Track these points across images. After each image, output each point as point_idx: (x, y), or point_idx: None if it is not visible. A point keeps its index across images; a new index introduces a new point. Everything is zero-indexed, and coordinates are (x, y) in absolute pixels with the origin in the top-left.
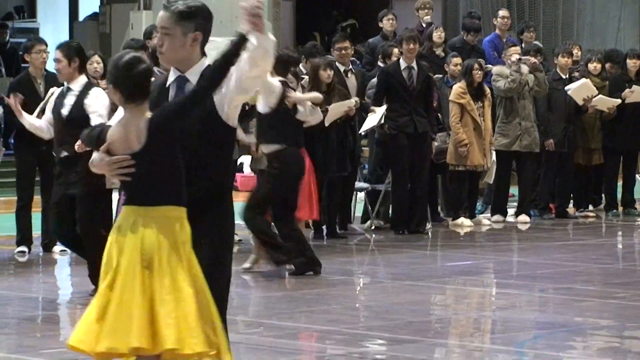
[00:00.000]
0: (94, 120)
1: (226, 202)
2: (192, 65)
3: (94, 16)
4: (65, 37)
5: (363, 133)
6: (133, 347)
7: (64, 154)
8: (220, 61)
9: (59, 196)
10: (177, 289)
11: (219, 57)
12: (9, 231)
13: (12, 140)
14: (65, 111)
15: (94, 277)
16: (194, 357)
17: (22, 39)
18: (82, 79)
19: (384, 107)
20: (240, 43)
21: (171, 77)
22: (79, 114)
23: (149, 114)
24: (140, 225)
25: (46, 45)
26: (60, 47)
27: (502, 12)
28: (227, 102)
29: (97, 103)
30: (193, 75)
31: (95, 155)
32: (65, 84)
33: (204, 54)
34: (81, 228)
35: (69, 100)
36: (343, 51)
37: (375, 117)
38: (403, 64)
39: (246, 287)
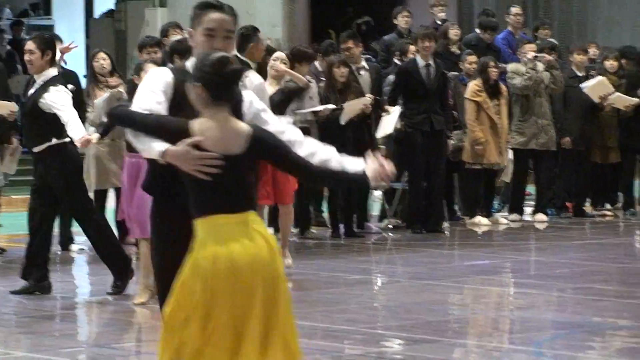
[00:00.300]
0: (63, 114)
1: None
2: None
3: (109, 13)
4: (80, 34)
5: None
6: None
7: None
8: (334, 175)
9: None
10: None
11: (338, 169)
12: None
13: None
14: (25, 103)
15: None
16: None
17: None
18: (50, 72)
19: (398, 108)
20: (360, 180)
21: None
22: (32, 106)
23: (238, 121)
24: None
25: (62, 42)
26: (34, 38)
27: (515, 9)
28: None
29: (61, 97)
30: None
31: (176, 146)
32: (33, 76)
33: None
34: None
35: (30, 92)
36: (347, 52)
37: (390, 120)
38: (420, 61)
39: None
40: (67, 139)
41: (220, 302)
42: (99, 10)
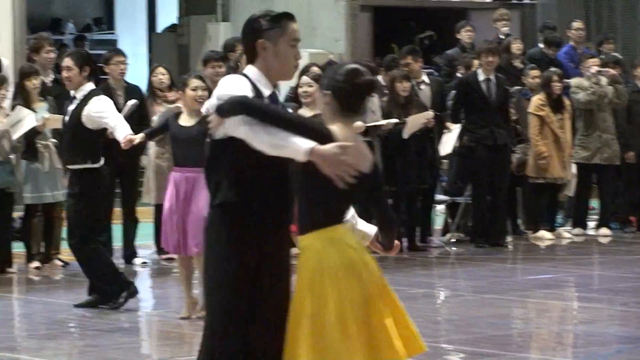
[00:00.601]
0: (109, 120)
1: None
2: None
3: (172, 28)
4: (143, 48)
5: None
6: None
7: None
8: None
9: None
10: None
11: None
12: None
13: None
14: (66, 119)
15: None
16: None
17: (101, 50)
18: (88, 87)
19: (458, 126)
20: None
21: (266, 92)
22: (75, 122)
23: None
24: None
25: (125, 56)
26: (70, 55)
27: (577, 24)
28: None
29: (103, 105)
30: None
31: (326, 146)
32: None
33: None
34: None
35: (71, 108)
36: (406, 67)
37: (450, 138)
38: (481, 75)
39: None
40: (101, 164)
41: (370, 302)
42: (161, 24)
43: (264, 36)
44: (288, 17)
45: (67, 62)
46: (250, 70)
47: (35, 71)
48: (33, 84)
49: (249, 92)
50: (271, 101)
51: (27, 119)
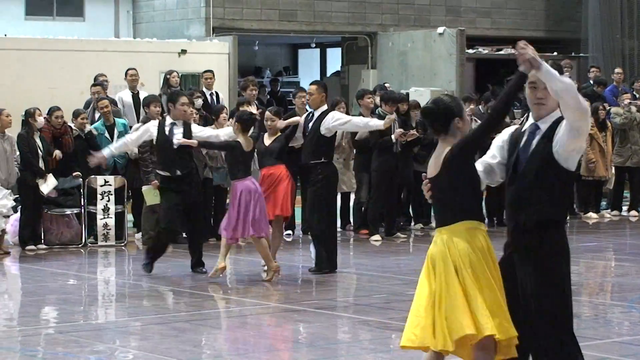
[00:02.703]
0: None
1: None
2: (547, 114)
3: (337, 73)
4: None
5: None
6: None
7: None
8: (504, 97)
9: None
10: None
11: (503, 94)
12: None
13: None
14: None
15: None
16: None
17: (289, 89)
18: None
19: None
20: (519, 80)
21: (527, 125)
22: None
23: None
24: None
25: (305, 92)
26: (316, 83)
27: (618, 70)
28: (562, 146)
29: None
30: (544, 124)
31: None
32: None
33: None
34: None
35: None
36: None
37: None
38: None
39: None
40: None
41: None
42: (330, 70)
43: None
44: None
45: (311, 89)
46: None
47: (248, 101)
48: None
49: None
50: (529, 131)
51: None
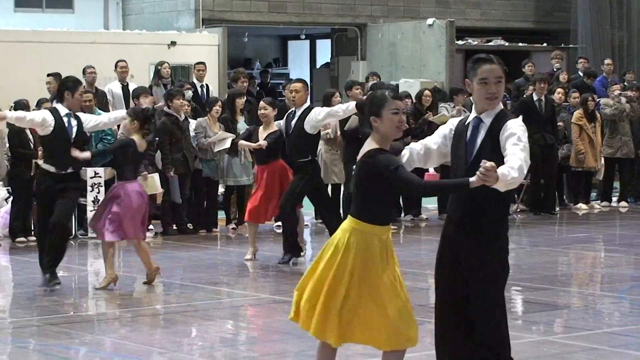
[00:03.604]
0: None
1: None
2: (490, 109)
3: (326, 65)
4: (307, 79)
5: None
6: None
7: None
8: (438, 189)
9: None
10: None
11: (447, 183)
12: None
13: None
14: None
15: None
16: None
17: (279, 80)
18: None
19: None
20: (463, 187)
21: (470, 118)
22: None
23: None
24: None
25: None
26: (300, 81)
27: (607, 61)
28: None
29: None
30: (487, 117)
31: None
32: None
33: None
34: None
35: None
36: None
37: None
38: (535, 97)
39: None
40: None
41: None
42: (320, 62)
43: (468, 77)
44: (479, 60)
45: (295, 85)
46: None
47: (241, 93)
48: (240, 102)
49: None
50: (472, 125)
51: (227, 142)
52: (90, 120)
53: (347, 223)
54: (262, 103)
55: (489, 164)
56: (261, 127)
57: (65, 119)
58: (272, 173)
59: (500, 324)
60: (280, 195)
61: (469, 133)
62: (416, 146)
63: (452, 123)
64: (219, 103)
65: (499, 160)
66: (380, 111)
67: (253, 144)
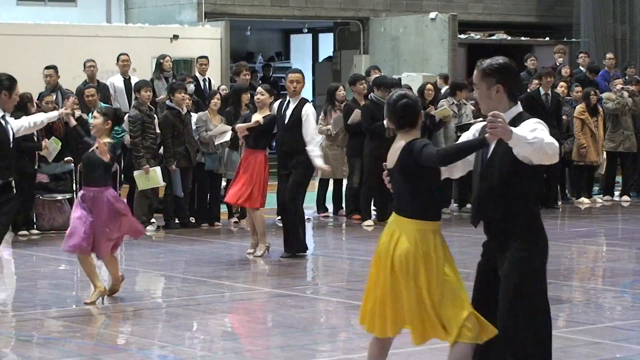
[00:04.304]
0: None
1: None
2: (503, 112)
3: (329, 59)
4: (309, 72)
5: None
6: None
7: None
8: (458, 151)
9: None
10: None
11: (462, 144)
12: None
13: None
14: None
15: None
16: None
17: (281, 74)
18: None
19: None
20: (478, 145)
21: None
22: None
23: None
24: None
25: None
26: (263, 86)
27: (609, 55)
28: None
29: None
30: None
31: None
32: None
33: (514, 103)
34: None
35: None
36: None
37: None
38: (542, 91)
39: None
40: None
41: None
42: (322, 56)
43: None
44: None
45: (260, 89)
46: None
47: (246, 88)
48: (246, 97)
49: None
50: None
51: (227, 134)
52: (19, 123)
53: (412, 226)
54: (259, 88)
55: (493, 112)
56: (255, 113)
57: (2, 122)
58: (255, 161)
59: (519, 324)
60: (258, 184)
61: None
62: None
63: (476, 129)
64: (217, 95)
65: (511, 162)
66: (417, 120)
67: (249, 124)
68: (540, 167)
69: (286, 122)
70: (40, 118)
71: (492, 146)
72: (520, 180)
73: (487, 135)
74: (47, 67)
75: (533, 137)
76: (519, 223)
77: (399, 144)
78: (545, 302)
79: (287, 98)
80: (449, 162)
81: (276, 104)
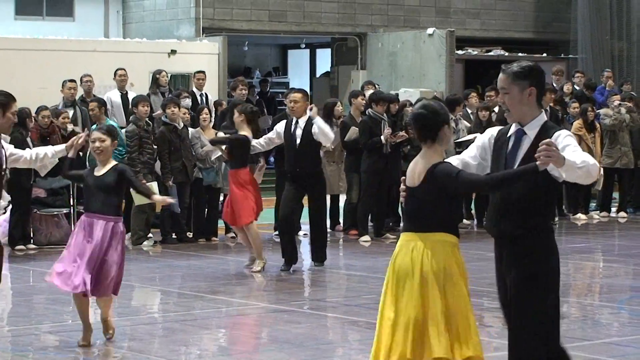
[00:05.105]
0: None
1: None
2: (531, 119)
3: (326, 74)
4: (306, 87)
5: None
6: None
7: None
8: (512, 175)
9: None
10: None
11: (513, 171)
12: (269, 220)
13: (272, 159)
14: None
15: None
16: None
17: (278, 89)
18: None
19: None
20: (529, 174)
21: (512, 129)
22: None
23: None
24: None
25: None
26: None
27: (607, 72)
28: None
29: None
30: (531, 130)
31: None
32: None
33: (540, 110)
34: None
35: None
36: (489, 98)
37: None
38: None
39: None
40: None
41: None
42: (320, 71)
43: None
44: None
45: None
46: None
47: (241, 103)
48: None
49: None
50: (515, 137)
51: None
52: (10, 153)
53: (438, 237)
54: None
55: (547, 140)
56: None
57: None
58: (237, 181)
59: (526, 334)
60: (246, 200)
61: (510, 145)
62: (452, 162)
63: (491, 132)
64: (205, 110)
65: (542, 175)
66: (449, 120)
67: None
68: (557, 181)
69: (298, 143)
70: (45, 151)
71: (520, 155)
72: (539, 194)
73: (538, 163)
74: (70, 80)
75: (582, 162)
76: (537, 237)
77: (422, 165)
78: (558, 317)
79: (294, 118)
80: (502, 189)
81: (282, 124)
